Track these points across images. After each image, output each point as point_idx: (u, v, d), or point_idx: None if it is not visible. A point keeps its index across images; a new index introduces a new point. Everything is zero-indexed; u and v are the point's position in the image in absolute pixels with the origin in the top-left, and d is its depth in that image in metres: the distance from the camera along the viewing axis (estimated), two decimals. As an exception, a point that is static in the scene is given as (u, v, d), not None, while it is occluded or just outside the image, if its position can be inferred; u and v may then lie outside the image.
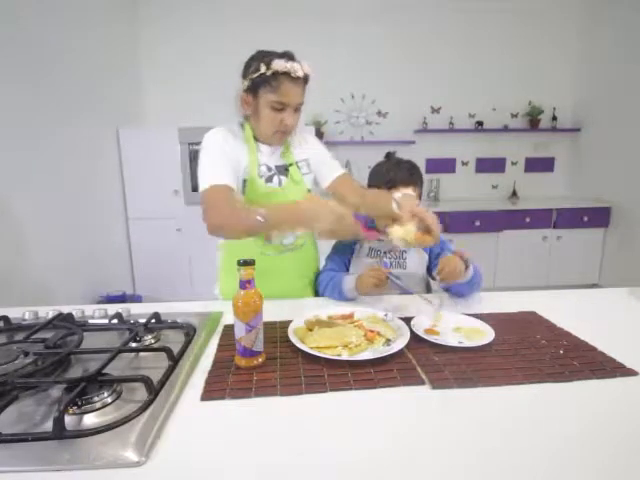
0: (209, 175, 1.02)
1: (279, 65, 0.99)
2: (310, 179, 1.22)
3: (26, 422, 0.58)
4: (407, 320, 0.91)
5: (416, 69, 3.72)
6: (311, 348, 0.79)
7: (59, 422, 0.54)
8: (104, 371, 0.67)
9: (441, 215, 3.35)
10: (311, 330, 0.87)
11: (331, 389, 0.68)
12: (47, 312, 0.97)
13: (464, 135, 3.85)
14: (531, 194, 3.97)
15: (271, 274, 1.06)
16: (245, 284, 0.74)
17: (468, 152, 3.93)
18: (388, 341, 0.83)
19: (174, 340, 0.86)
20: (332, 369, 0.74)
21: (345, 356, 0.77)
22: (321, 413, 0.62)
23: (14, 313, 0.95)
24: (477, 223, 3.37)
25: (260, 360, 0.76)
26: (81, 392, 0.61)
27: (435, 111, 3.82)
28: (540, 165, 4.00)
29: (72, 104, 2.50)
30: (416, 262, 1.23)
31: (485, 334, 0.86)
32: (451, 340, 0.84)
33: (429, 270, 1.26)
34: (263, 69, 1.00)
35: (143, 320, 0.90)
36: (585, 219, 3.46)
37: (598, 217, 3.48)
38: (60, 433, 0.54)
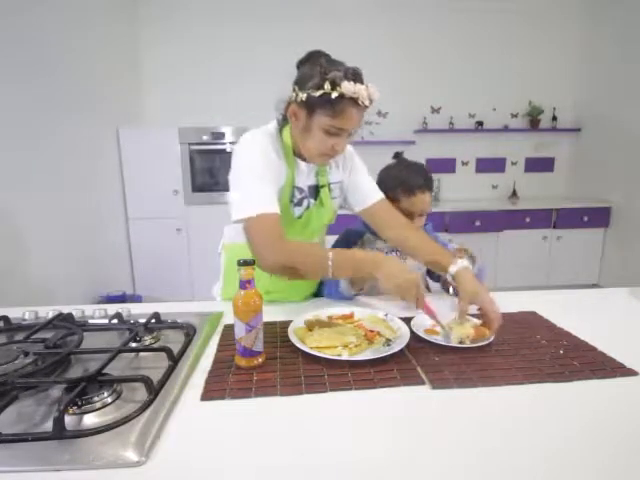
0: (256, 199, 0.90)
1: (347, 90, 0.86)
2: (337, 203, 1.14)
3: (26, 422, 0.58)
4: (407, 320, 0.91)
5: (416, 69, 3.72)
6: (311, 348, 0.79)
7: (59, 422, 0.54)
8: (104, 371, 0.67)
9: (441, 215, 3.35)
10: (311, 330, 0.87)
11: (331, 389, 0.68)
12: (47, 312, 0.97)
13: (464, 135, 3.85)
14: (531, 194, 3.97)
15: (280, 291, 1.06)
16: (245, 284, 0.74)
17: (468, 152, 3.93)
18: (388, 341, 0.83)
19: (174, 340, 0.86)
20: (332, 369, 0.74)
21: (345, 356, 0.77)
22: (321, 413, 0.62)
23: (14, 313, 0.95)
24: (477, 223, 3.37)
25: (260, 360, 0.76)
26: (81, 392, 0.61)
27: (435, 111, 3.82)
28: (540, 165, 4.00)
29: (72, 104, 2.50)
30: (417, 263, 1.23)
31: (485, 334, 0.86)
32: (454, 339, 0.84)
33: (429, 270, 1.26)
34: (327, 88, 0.86)
35: (143, 320, 0.90)
36: (585, 219, 3.46)
37: (598, 217, 3.48)
38: (60, 433, 0.54)
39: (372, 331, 0.86)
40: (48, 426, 0.55)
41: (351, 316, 0.96)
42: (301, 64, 0.96)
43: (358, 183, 1.13)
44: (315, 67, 0.90)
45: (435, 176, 4.18)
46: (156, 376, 0.68)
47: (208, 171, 3.22)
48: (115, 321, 0.93)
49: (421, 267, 1.23)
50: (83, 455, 0.52)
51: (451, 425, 0.59)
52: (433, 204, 3.62)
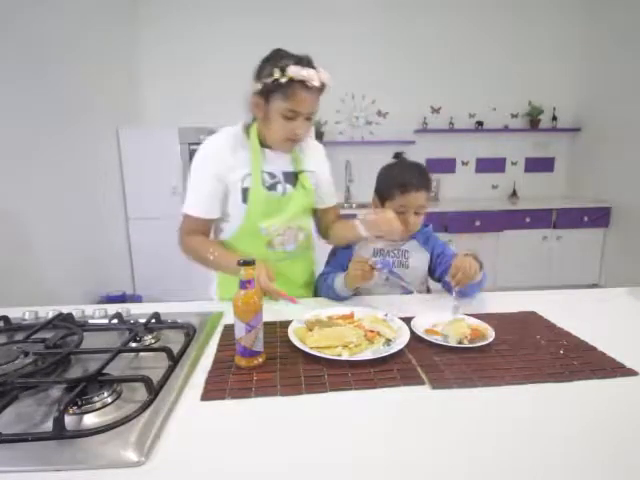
0: (188, 200, 1.11)
1: (294, 72, 0.94)
2: (315, 189, 1.21)
3: (26, 422, 0.58)
4: (407, 320, 0.91)
5: (416, 69, 3.72)
6: (311, 348, 0.79)
7: (59, 422, 0.54)
8: (104, 371, 0.67)
9: (441, 215, 3.35)
10: (311, 330, 0.87)
11: (331, 389, 0.68)
12: (47, 312, 0.97)
13: (464, 135, 3.85)
14: (531, 194, 3.97)
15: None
16: (245, 284, 0.74)
17: (468, 152, 3.93)
18: (388, 341, 0.83)
19: (174, 340, 0.86)
20: (332, 369, 0.74)
21: (345, 356, 0.77)
22: (321, 413, 0.62)
23: (14, 313, 0.95)
24: (477, 223, 3.37)
25: (260, 360, 0.76)
26: (81, 392, 0.61)
27: (435, 111, 3.82)
28: (540, 165, 4.00)
29: (72, 104, 2.50)
30: (418, 261, 1.23)
31: (485, 334, 0.86)
32: (451, 340, 0.84)
33: (430, 270, 1.26)
34: (277, 75, 0.95)
35: (143, 320, 0.90)
36: (585, 219, 3.46)
37: (598, 217, 3.48)
38: (60, 433, 0.54)
39: (372, 331, 0.86)
40: (48, 426, 0.55)
41: (351, 316, 0.96)
42: (262, 60, 1.04)
43: (323, 183, 1.23)
44: (269, 60, 1.01)
45: (435, 176, 4.18)
46: (156, 376, 0.68)
47: (208, 171, 3.20)
48: (115, 321, 0.93)
49: (424, 263, 1.23)
50: (83, 455, 0.52)
51: (451, 425, 0.59)
52: (433, 204, 3.62)
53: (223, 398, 0.66)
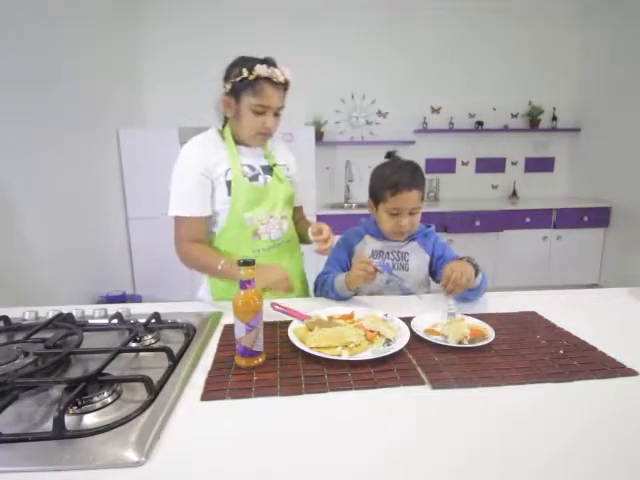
0: (178, 202, 1.14)
1: (261, 70, 1.05)
2: (291, 183, 1.28)
3: (26, 422, 0.58)
4: (407, 320, 0.91)
5: (416, 69, 3.72)
6: (311, 348, 0.79)
7: (59, 422, 0.54)
8: (104, 371, 0.67)
9: (441, 215, 3.35)
10: (311, 330, 0.87)
11: (331, 389, 0.68)
12: (47, 312, 0.97)
13: (464, 135, 3.85)
14: (531, 194, 3.97)
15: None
16: (245, 284, 0.74)
17: (468, 152, 3.93)
18: (388, 341, 0.83)
19: (174, 340, 0.86)
20: (332, 369, 0.74)
21: (345, 356, 0.77)
22: (321, 413, 0.62)
23: (14, 313, 0.95)
24: (477, 223, 3.37)
25: (260, 360, 0.76)
26: (81, 392, 0.61)
27: (435, 111, 3.82)
28: (540, 165, 4.00)
29: (72, 105, 2.50)
30: (419, 263, 1.22)
31: (485, 334, 0.86)
32: (451, 340, 0.84)
33: (431, 271, 1.25)
34: (245, 73, 1.05)
35: (143, 320, 0.90)
36: (585, 219, 3.46)
37: (598, 217, 3.48)
38: (60, 433, 0.54)
39: (372, 331, 0.86)
40: (48, 426, 0.55)
41: (351, 316, 0.96)
42: (229, 65, 1.15)
43: (295, 181, 1.31)
44: (236, 64, 1.12)
45: (435, 176, 4.18)
46: (156, 376, 0.68)
47: (208, 171, 3.21)
48: (115, 321, 0.93)
49: (424, 265, 1.23)
50: (83, 455, 0.52)
51: (451, 425, 0.59)
52: (433, 204, 3.62)
53: (223, 398, 0.66)
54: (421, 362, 0.77)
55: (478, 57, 3.75)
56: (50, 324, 0.88)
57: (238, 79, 1.07)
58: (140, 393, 0.64)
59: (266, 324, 0.80)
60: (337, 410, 0.63)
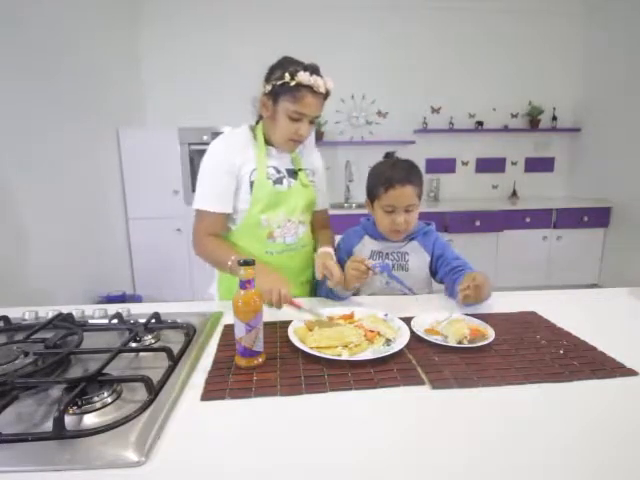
0: (201, 195, 1.15)
1: (303, 78, 1.02)
2: (314, 187, 1.26)
3: (26, 422, 0.58)
4: (407, 320, 0.91)
5: (416, 69, 3.72)
6: (311, 348, 0.79)
7: (59, 422, 0.54)
8: (104, 371, 0.67)
9: (441, 215, 3.35)
10: (311, 330, 0.87)
11: (331, 389, 0.68)
12: (47, 312, 0.97)
13: (464, 135, 3.85)
14: (531, 194, 3.97)
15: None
16: (245, 284, 0.74)
17: (468, 152, 3.93)
18: (388, 341, 0.83)
19: (174, 340, 0.86)
20: (332, 369, 0.74)
21: (345, 356, 0.77)
22: (321, 413, 0.62)
23: (14, 313, 0.95)
24: (477, 223, 3.37)
25: (260, 360, 0.76)
26: (81, 392, 0.61)
27: (435, 111, 3.82)
28: (540, 165, 4.01)
29: (72, 104, 2.50)
30: (419, 263, 1.21)
31: (485, 334, 0.86)
32: (451, 340, 0.84)
33: (431, 271, 1.24)
34: (287, 78, 1.03)
35: (143, 320, 0.90)
36: (585, 219, 3.46)
37: (598, 217, 3.48)
38: (60, 433, 0.54)
39: (372, 331, 0.86)
40: (48, 426, 0.55)
41: (351, 316, 0.96)
42: (272, 66, 1.12)
43: (319, 188, 1.29)
44: (279, 65, 1.09)
45: (435, 176, 4.18)
46: (156, 376, 0.68)
47: (208, 171, 3.21)
48: (115, 321, 0.93)
49: (424, 265, 1.22)
50: (83, 455, 0.52)
51: (451, 425, 0.59)
52: (433, 204, 3.62)
53: (223, 398, 0.66)
54: (421, 362, 0.77)
55: (478, 57, 3.75)
56: (50, 324, 0.88)
57: (279, 83, 1.04)
58: (140, 393, 0.64)
59: (266, 324, 0.80)
60: (337, 410, 0.63)
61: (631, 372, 0.72)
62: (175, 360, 0.75)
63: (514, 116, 3.89)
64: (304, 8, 3.52)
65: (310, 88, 1.04)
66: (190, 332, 0.88)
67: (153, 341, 0.85)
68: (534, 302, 1.07)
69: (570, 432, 0.57)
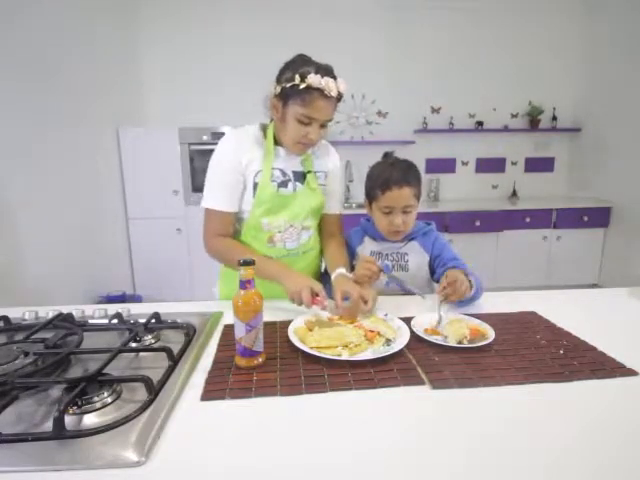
0: (209, 194, 1.11)
1: (314, 80, 0.97)
2: (324, 191, 1.21)
3: (26, 422, 0.58)
4: (407, 320, 0.91)
5: (416, 69, 3.72)
6: (311, 348, 0.79)
7: (59, 422, 0.54)
8: (104, 371, 0.67)
9: (441, 215, 3.35)
10: (311, 330, 0.87)
11: (331, 389, 0.68)
12: (47, 312, 0.97)
13: (464, 135, 3.85)
14: (531, 194, 3.97)
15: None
16: (245, 284, 0.74)
17: (468, 152, 3.93)
18: (388, 341, 0.84)
19: (174, 340, 0.86)
20: (332, 369, 0.74)
21: (345, 356, 0.77)
22: (321, 413, 0.62)
23: (14, 313, 0.95)
24: (477, 223, 3.37)
25: (260, 360, 0.76)
26: (81, 392, 0.61)
27: (435, 111, 3.82)
28: (540, 165, 4.00)
29: (72, 104, 2.50)
30: (418, 263, 1.21)
31: (485, 334, 0.86)
32: (451, 340, 0.84)
33: (432, 270, 1.24)
34: (297, 80, 0.98)
35: (143, 320, 0.90)
36: (585, 219, 3.46)
37: (598, 217, 3.48)
38: (60, 433, 0.54)
39: (372, 331, 0.86)
40: (48, 426, 0.55)
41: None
42: (285, 64, 1.06)
43: (330, 191, 1.24)
44: (290, 65, 1.03)
45: (435, 176, 4.18)
46: (156, 376, 0.68)
47: (208, 171, 3.21)
48: (115, 321, 0.93)
49: (424, 265, 1.22)
50: (83, 455, 0.52)
51: (451, 425, 0.59)
52: (433, 204, 3.62)
53: (223, 398, 0.66)
54: (421, 362, 0.77)
55: (478, 57, 3.75)
56: (50, 324, 0.88)
57: (288, 85, 0.99)
58: (140, 393, 0.64)
59: (266, 324, 0.80)
60: (337, 410, 0.63)
61: (631, 372, 0.73)
62: (175, 360, 0.75)
63: (514, 116, 3.89)
64: (304, 8, 3.52)
65: (321, 91, 0.98)
66: (190, 332, 0.88)
67: (153, 341, 0.85)
68: (534, 302, 1.07)
69: (570, 432, 0.57)
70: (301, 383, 0.70)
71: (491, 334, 0.85)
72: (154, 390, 0.64)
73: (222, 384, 0.70)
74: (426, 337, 0.85)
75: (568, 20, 3.75)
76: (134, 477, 0.49)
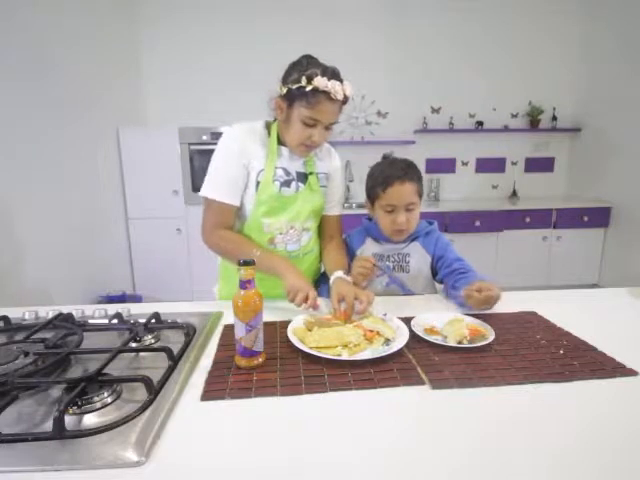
0: (210, 183, 1.08)
1: (320, 83, 0.96)
2: (324, 192, 1.21)
3: (26, 422, 0.58)
4: (407, 320, 0.91)
5: (416, 69, 3.72)
6: (311, 348, 0.79)
7: (59, 422, 0.54)
8: (104, 371, 0.67)
9: (441, 215, 3.35)
10: (310, 330, 0.87)
11: (331, 389, 0.68)
12: (47, 312, 0.97)
13: (464, 135, 3.85)
14: (531, 194, 3.97)
15: (272, 279, 1.04)
16: (245, 284, 0.74)
17: (468, 152, 3.93)
18: (387, 341, 0.84)
19: (174, 340, 0.86)
20: (332, 369, 0.74)
21: (345, 356, 0.77)
22: (321, 413, 0.62)
23: (14, 313, 0.95)
24: (477, 223, 3.37)
25: (260, 360, 0.76)
26: (81, 392, 0.61)
27: (435, 111, 3.82)
28: (540, 165, 4.00)
29: (72, 104, 2.50)
30: (419, 264, 1.20)
31: (485, 334, 0.86)
32: (451, 340, 0.84)
33: (432, 271, 1.23)
34: (303, 82, 0.97)
35: (143, 320, 0.90)
36: (585, 219, 3.46)
37: (598, 217, 3.48)
38: (60, 433, 0.54)
39: (372, 331, 0.86)
40: (48, 426, 0.55)
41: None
42: (291, 65, 1.06)
43: (332, 189, 1.24)
44: (297, 66, 1.02)
45: (435, 176, 4.17)
46: (156, 376, 0.68)
47: (208, 171, 3.21)
48: (115, 321, 0.93)
49: (425, 265, 1.22)
50: (83, 455, 0.52)
51: (451, 425, 0.59)
52: (433, 204, 3.62)
53: (223, 398, 0.66)
54: (421, 362, 0.77)
55: (478, 57, 3.75)
56: (50, 324, 0.88)
57: (295, 86, 0.99)
58: (140, 393, 0.64)
59: (266, 324, 0.80)
60: (337, 410, 0.63)
61: (631, 372, 0.72)
62: (175, 360, 0.75)
63: (514, 116, 3.89)
64: (304, 8, 3.52)
65: (327, 94, 0.97)
66: (190, 332, 0.88)
67: (153, 341, 0.85)
68: (534, 302, 1.07)
69: (570, 432, 0.57)
70: (301, 383, 0.70)
71: (491, 334, 0.85)
72: (154, 390, 0.64)
73: (222, 384, 0.70)
74: (426, 337, 0.85)
75: (568, 20, 3.75)
76: (134, 477, 0.49)
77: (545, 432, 0.57)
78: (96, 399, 0.61)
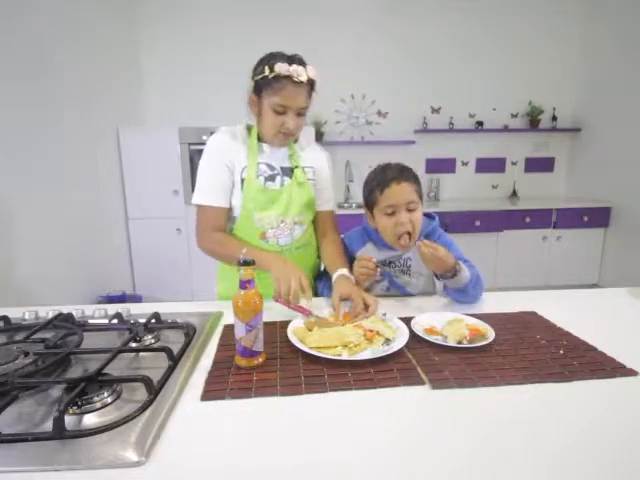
0: (200, 191, 1.13)
1: (281, 68, 1.01)
2: (313, 186, 1.22)
3: (26, 422, 0.58)
4: (407, 320, 0.91)
5: (416, 69, 3.72)
6: (311, 348, 0.79)
7: (59, 422, 0.54)
8: (104, 371, 0.67)
9: (441, 215, 3.35)
10: (311, 330, 0.87)
11: (331, 389, 0.68)
12: (47, 312, 0.97)
13: (464, 135, 3.85)
14: (531, 194, 3.97)
15: (267, 274, 1.04)
16: (245, 284, 0.74)
17: (468, 152, 3.92)
18: (387, 341, 0.84)
19: (174, 340, 0.86)
20: (332, 369, 0.74)
21: (345, 356, 0.77)
22: (321, 413, 0.62)
23: (14, 313, 0.95)
24: (477, 223, 3.37)
25: (260, 360, 0.76)
26: (81, 392, 0.61)
27: (435, 111, 3.82)
28: (540, 165, 4.00)
29: (72, 104, 2.50)
30: (420, 267, 1.19)
31: (485, 334, 0.86)
32: (451, 340, 0.84)
33: (435, 273, 1.22)
34: (267, 72, 1.02)
35: (143, 320, 0.90)
36: (585, 219, 3.46)
37: (598, 217, 3.48)
38: (60, 433, 0.54)
39: (372, 331, 0.86)
40: (48, 426, 0.55)
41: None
42: (257, 62, 1.11)
43: (320, 188, 1.25)
44: (261, 60, 1.08)
45: (435, 176, 4.17)
46: (156, 376, 0.68)
47: (208, 171, 3.21)
48: (115, 321, 0.93)
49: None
50: (83, 455, 0.52)
51: (451, 425, 0.59)
52: (433, 204, 3.62)
53: (223, 398, 0.66)
54: (421, 362, 0.77)
55: (478, 57, 3.75)
56: (50, 324, 0.88)
57: (259, 77, 1.05)
58: (140, 393, 0.64)
59: (266, 324, 0.80)
60: (337, 410, 0.63)
61: (631, 372, 0.73)
62: (175, 360, 0.75)
63: (514, 116, 3.89)
64: (304, 8, 3.52)
65: (290, 78, 1.02)
66: (190, 332, 0.88)
67: (153, 341, 0.85)
68: (534, 302, 1.07)
69: (570, 432, 0.57)
70: (301, 383, 0.70)
71: (491, 334, 0.85)
72: (154, 390, 0.64)
73: (222, 384, 0.70)
74: (426, 337, 0.85)
75: (568, 20, 3.75)
76: (134, 477, 0.49)
77: (545, 432, 0.57)
78: (96, 399, 0.61)
